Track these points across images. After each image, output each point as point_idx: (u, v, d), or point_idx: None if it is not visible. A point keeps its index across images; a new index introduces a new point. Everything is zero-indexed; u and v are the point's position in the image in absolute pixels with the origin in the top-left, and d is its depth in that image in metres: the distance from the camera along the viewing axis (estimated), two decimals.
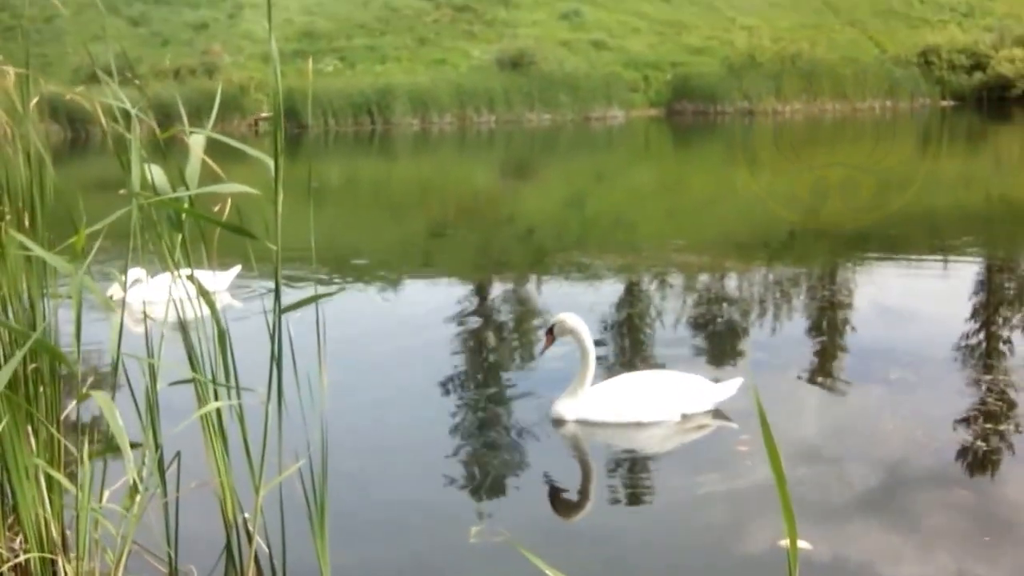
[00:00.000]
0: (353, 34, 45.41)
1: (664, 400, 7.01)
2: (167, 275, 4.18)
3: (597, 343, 8.85)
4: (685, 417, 7.00)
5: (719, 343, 9.06)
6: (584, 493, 6.10)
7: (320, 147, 33.25)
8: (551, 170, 27.36)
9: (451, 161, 31.02)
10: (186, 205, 4.10)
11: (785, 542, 4.82)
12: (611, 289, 11.56)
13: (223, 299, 10.42)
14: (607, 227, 17.39)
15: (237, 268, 10.69)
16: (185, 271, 4.17)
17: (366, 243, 15.86)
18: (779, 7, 48.13)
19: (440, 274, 12.48)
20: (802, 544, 4.98)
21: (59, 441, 4.43)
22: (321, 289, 10.23)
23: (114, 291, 9.65)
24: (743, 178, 22.76)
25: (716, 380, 7.30)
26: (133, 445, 3.92)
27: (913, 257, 13.07)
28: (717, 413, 7.09)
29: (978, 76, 41.75)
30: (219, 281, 10.48)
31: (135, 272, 9.45)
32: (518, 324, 10.05)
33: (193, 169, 4.05)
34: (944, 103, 41.63)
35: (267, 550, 4.41)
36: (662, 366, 8.03)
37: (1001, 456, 6.28)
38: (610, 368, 8.08)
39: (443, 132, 37.66)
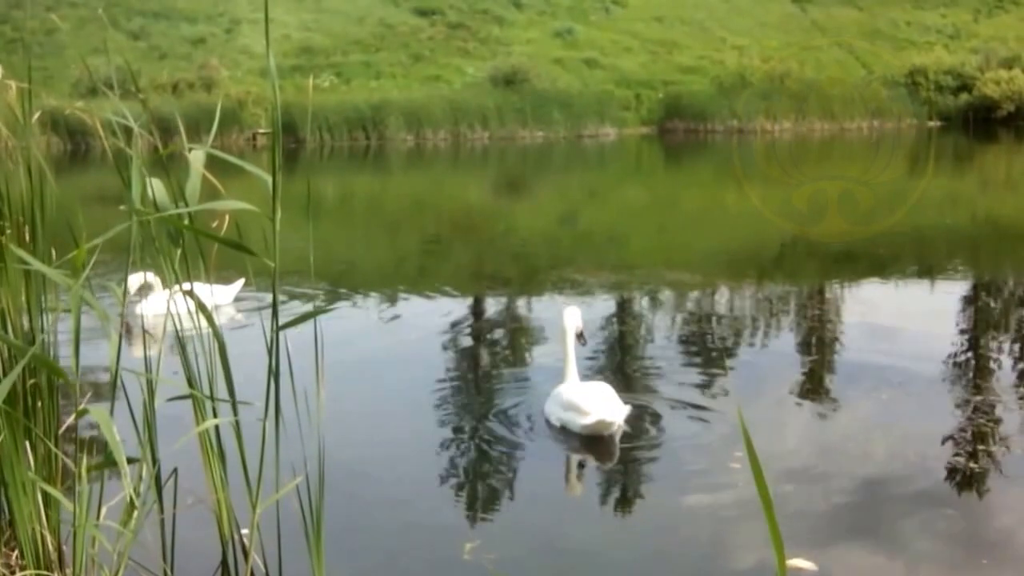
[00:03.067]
0: (349, 50, 45.49)
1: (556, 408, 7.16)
2: (171, 289, 4.19)
3: (590, 358, 8.91)
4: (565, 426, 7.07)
5: (710, 360, 9.06)
6: (577, 508, 6.11)
7: (316, 162, 33.25)
8: (544, 187, 27.39)
9: (445, 177, 31.04)
10: (186, 221, 4.10)
11: (790, 561, 4.84)
12: (604, 305, 11.57)
13: (227, 313, 10.43)
14: (599, 243, 17.42)
15: (241, 281, 10.69)
16: (187, 285, 4.17)
17: (361, 258, 15.87)
18: (769, 27, 48.34)
19: (434, 290, 12.47)
20: (805, 564, 4.99)
21: (56, 456, 4.43)
22: (319, 304, 10.30)
23: (142, 308, 9.67)
24: (741, 193, 22.89)
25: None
26: (130, 460, 3.92)
27: (901, 276, 13.13)
28: (709, 427, 7.11)
29: (964, 97, 41.98)
30: (223, 295, 10.49)
31: (147, 277, 9.42)
32: (511, 340, 10.07)
33: (193, 185, 4.06)
34: (931, 123, 41.78)
35: (263, 567, 4.41)
36: (653, 382, 8.10)
37: (993, 477, 6.30)
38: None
39: (437, 148, 37.68)
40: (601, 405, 7.01)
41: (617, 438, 7.04)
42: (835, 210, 20.66)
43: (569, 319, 7.44)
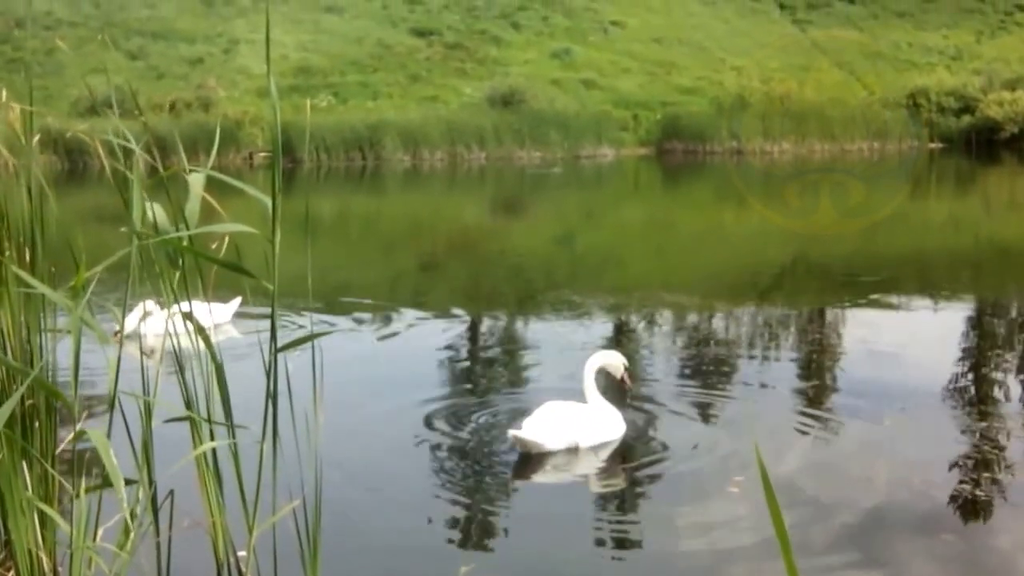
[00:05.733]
0: (346, 71, 45.63)
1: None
2: (169, 310, 4.19)
3: None
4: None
5: (709, 384, 9.03)
6: (572, 531, 6.08)
7: (312, 182, 33.28)
8: (541, 207, 27.40)
9: (442, 197, 31.06)
10: (185, 243, 4.11)
11: None
12: (602, 328, 11.57)
13: (226, 331, 10.40)
14: (597, 265, 17.42)
15: (238, 300, 10.70)
16: (185, 306, 4.17)
17: (358, 278, 15.85)
18: (768, 48, 48.44)
19: (431, 311, 12.46)
20: None
21: (53, 477, 4.41)
22: (316, 324, 10.28)
23: (143, 328, 9.66)
24: (740, 214, 22.96)
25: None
26: (127, 482, 3.91)
27: (903, 299, 13.09)
28: (709, 452, 7.09)
29: (966, 119, 41.87)
30: (221, 313, 10.47)
31: (147, 305, 9.43)
32: (509, 361, 10.05)
33: (193, 207, 4.06)
34: (933, 145, 41.73)
35: None
36: (651, 404, 8.09)
37: (998, 504, 6.23)
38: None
39: (434, 168, 37.72)
40: (540, 425, 7.07)
41: (596, 460, 7.10)
42: (827, 202, 20.72)
43: (590, 363, 7.58)
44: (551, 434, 7.06)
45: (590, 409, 7.37)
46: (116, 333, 4.29)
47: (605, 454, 7.18)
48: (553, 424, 7.09)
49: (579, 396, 7.62)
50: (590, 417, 7.29)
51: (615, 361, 7.68)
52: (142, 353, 4.26)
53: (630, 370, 7.79)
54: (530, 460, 6.99)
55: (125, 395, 4.18)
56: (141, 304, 9.36)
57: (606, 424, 7.34)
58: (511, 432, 7.06)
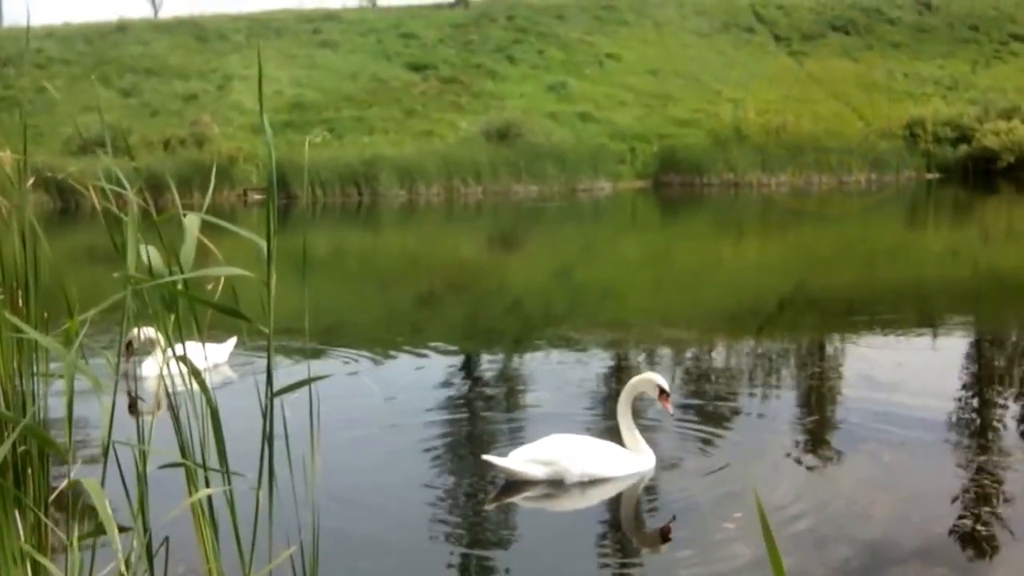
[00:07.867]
0: (341, 106, 45.66)
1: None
2: (164, 354, 4.14)
3: (591, 413, 8.89)
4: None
5: (707, 419, 8.97)
6: (568, 569, 6.03)
7: (308, 218, 33.26)
8: (539, 242, 27.39)
9: (438, 232, 31.04)
10: (180, 286, 4.06)
11: None
12: (600, 364, 11.51)
13: (222, 373, 10.36)
14: (595, 300, 17.38)
15: (233, 340, 10.67)
16: (180, 348, 4.12)
17: (354, 315, 15.82)
18: (764, 80, 48.54)
19: (428, 348, 12.38)
20: None
21: (47, 525, 4.35)
22: (311, 360, 10.22)
23: (146, 370, 9.57)
24: (739, 246, 22.94)
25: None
26: (122, 529, 3.85)
27: (902, 331, 13.03)
28: (706, 487, 7.04)
29: (963, 148, 41.80)
30: (217, 354, 10.44)
31: (148, 333, 9.32)
32: (507, 398, 10.00)
33: (188, 250, 4.02)
34: (930, 175, 41.72)
35: None
36: (649, 440, 8.04)
37: (1002, 540, 6.17)
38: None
39: (430, 203, 37.72)
40: (522, 453, 7.14)
41: (592, 494, 7.12)
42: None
43: (628, 385, 7.63)
44: (526, 463, 7.04)
45: (586, 441, 7.35)
46: (128, 345, 4.24)
47: (603, 488, 7.14)
48: (534, 454, 7.07)
49: (577, 429, 7.61)
50: (582, 450, 7.25)
51: (648, 385, 7.61)
52: (137, 397, 4.20)
53: (667, 393, 7.66)
54: (518, 490, 6.99)
55: (119, 443, 4.12)
56: (149, 328, 9.21)
57: (604, 458, 7.29)
58: (483, 456, 7.11)
